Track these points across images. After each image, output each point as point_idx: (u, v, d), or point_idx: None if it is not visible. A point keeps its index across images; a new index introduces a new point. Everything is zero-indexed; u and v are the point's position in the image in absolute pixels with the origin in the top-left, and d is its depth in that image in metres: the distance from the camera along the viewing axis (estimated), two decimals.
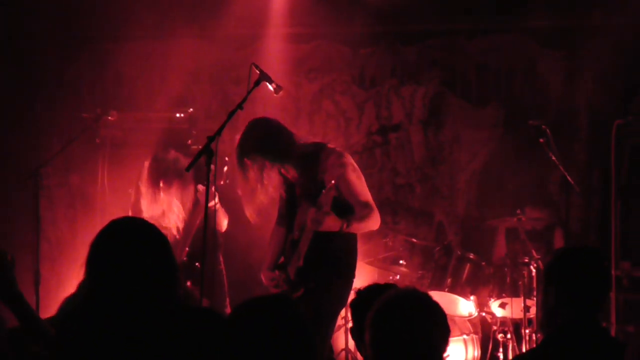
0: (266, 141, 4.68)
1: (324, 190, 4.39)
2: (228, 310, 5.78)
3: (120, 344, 2.51)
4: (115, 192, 6.57)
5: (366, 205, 4.54)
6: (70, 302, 3.32)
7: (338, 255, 4.62)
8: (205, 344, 2.54)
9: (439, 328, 2.57)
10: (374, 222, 4.59)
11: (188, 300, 2.69)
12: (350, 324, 6.20)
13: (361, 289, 3.44)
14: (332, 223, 4.39)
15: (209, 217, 4.75)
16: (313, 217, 4.35)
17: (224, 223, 5.69)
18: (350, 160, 4.62)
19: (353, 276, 4.72)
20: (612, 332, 5.87)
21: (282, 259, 4.86)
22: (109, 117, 6.32)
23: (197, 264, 5.52)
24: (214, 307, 5.18)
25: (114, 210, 6.29)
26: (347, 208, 4.53)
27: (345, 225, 4.43)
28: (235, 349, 2.28)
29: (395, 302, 2.60)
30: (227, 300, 5.81)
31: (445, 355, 5.88)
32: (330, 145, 4.71)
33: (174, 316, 2.59)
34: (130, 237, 2.63)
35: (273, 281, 4.73)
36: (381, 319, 2.57)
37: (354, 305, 3.41)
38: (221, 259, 5.61)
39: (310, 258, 4.53)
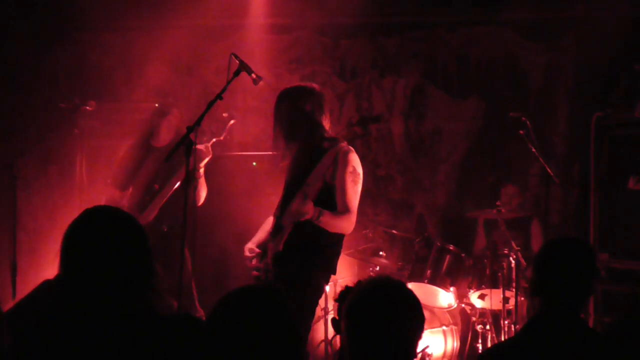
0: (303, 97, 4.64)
1: (310, 177, 4.43)
2: (197, 304, 5.72)
3: (83, 342, 2.45)
4: (94, 183, 6.51)
5: (347, 209, 4.48)
6: (47, 286, 3.25)
7: (320, 245, 4.55)
8: (183, 351, 2.50)
9: (413, 315, 2.55)
10: (348, 225, 4.51)
11: (160, 301, 2.61)
12: (330, 315, 6.22)
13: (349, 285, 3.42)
14: (309, 209, 4.36)
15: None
16: (298, 208, 4.34)
17: (202, 194, 5.61)
18: (353, 160, 4.54)
19: (331, 269, 4.65)
20: (590, 323, 5.91)
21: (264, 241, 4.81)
22: (88, 107, 6.24)
23: (164, 227, 5.53)
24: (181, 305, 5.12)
25: (93, 200, 6.24)
26: (331, 202, 4.50)
27: (317, 214, 4.38)
28: (221, 339, 2.26)
29: (369, 290, 2.59)
30: (195, 296, 5.74)
31: (425, 346, 5.93)
32: (343, 143, 4.63)
33: (151, 323, 2.53)
34: (103, 228, 2.53)
35: (252, 256, 4.67)
36: (355, 307, 2.56)
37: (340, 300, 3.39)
38: (187, 254, 5.46)
39: (291, 245, 4.50)
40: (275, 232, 4.63)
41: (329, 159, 4.52)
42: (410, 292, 2.62)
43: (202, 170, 5.43)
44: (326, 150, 4.56)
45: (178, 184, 5.55)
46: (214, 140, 5.43)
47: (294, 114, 4.60)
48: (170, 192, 5.63)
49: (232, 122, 5.47)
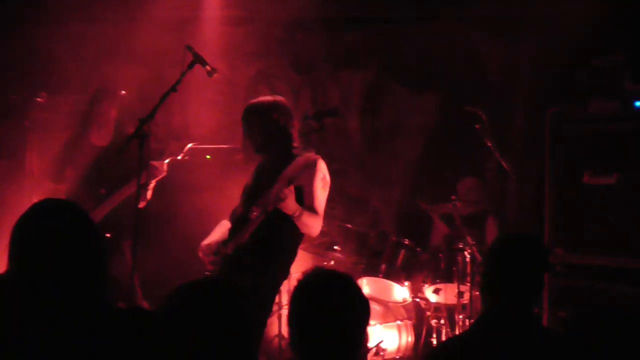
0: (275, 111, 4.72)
1: (294, 163, 4.52)
2: (141, 300, 5.63)
3: (36, 335, 2.41)
4: (45, 178, 6.39)
5: (316, 212, 4.61)
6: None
7: (284, 241, 4.67)
8: (135, 343, 2.46)
9: (352, 306, 2.54)
10: (317, 227, 4.66)
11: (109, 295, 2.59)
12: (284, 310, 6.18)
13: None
14: (291, 203, 4.44)
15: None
16: (279, 192, 4.38)
17: (147, 198, 5.46)
18: (323, 168, 4.67)
19: (290, 266, 4.77)
20: (545, 318, 5.94)
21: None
22: (39, 99, 6.14)
23: (107, 234, 5.40)
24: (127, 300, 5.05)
25: (42, 196, 6.11)
26: (300, 204, 4.57)
27: (298, 212, 4.47)
28: (171, 332, 2.23)
29: (310, 282, 2.59)
30: (139, 291, 5.64)
31: (379, 340, 5.90)
32: (311, 152, 4.76)
33: (103, 316, 2.50)
34: (53, 222, 2.52)
35: (208, 256, 4.67)
36: (296, 299, 2.57)
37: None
38: (127, 249, 5.37)
39: (257, 237, 4.57)
40: (239, 226, 4.67)
41: (298, 166, 4.60)
42: (349, 283, 2.60)
43: (152, 185, 5.35)
44: (295, 156, 4.67)
45: (128, 193, 5.33)
46: (171, 159, 5.36)
47: (268, 128, 4.70)
48: (118, 201, 5.43)
49: (190, 145, 5.42)
